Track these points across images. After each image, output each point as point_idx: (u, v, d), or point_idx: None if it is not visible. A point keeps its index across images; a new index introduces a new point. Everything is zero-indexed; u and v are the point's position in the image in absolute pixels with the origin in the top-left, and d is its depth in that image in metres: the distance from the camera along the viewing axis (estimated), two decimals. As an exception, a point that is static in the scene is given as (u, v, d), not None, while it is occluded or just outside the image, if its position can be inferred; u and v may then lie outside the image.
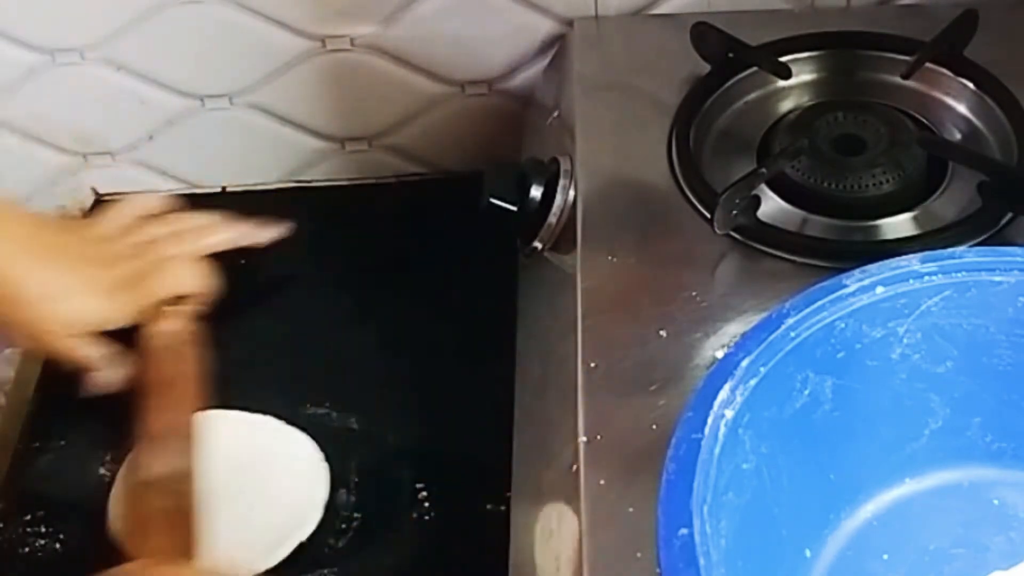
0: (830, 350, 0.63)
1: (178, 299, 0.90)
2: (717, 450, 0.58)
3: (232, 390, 0.90)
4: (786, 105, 0.89)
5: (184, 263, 0.90)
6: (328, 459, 0.86)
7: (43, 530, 0.84)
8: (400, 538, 0.83)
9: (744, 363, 0.61)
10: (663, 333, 0.74)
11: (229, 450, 0.85)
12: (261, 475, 0.85)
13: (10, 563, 0.83)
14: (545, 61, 1.00)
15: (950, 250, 0.66)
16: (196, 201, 0.98)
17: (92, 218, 0.94)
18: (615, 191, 0.84)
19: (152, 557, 0.76)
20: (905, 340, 0.64)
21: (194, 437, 0.84)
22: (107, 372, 0.87)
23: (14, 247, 0.83)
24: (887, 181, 0.81)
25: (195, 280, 0.90)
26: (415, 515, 0.83)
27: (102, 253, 0.88)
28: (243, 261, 0.94)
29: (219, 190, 1.09)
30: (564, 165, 0.85)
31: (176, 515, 0.79)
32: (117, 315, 0.86)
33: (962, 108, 0.88)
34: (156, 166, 1.08)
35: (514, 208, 0.85)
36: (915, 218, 0.81)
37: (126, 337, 0.88)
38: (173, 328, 0.89)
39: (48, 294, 0.83)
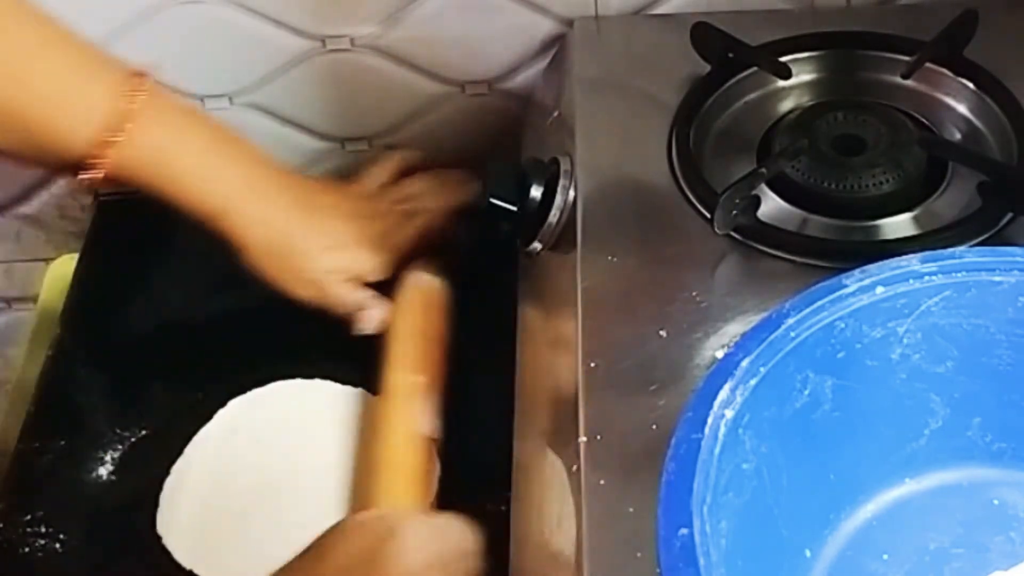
0: (830, 350, 0.63)
1: (432, 253, 0.94)
2: (717, 450, 0.58)
3: (236, 383, 0.91)
4: (786, 105, 0.89)
5: (437, 217, 0.94)
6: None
7: (43, 530, 0.84)
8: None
9: (744, 363, 0.61)
10: (663, 333, 0.74)
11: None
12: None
13: (10, 563, 0.83)
14: (545, 61, 1.00)
15: (950, 250, 0.66)
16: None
17: (354, 177, 0.98)
18: (615, 191, 0.84)
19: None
20: (905, 340, 0.64)
21: (431, 392, 0.87)
22: (376, 313, 0.91)
23: (290, 205, 0.89)
24: (887, 181, 0.81)
25: (446, 235, 0.94)
26: (415, 515, 0.83)
27: (367, 208, 0.94)
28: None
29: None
30: (564, 165, 0.85)
31: (413, 470, 0.83)
32: (383, 266, 0.92)
33: (962, 108, 0.88)
34: (156, 166, 1.08)
35: (514, 208, 0.85)
36: (915, 218, 0.81)
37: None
38: (424, 282, 0.93)
39: (325, 245, 0.90)
